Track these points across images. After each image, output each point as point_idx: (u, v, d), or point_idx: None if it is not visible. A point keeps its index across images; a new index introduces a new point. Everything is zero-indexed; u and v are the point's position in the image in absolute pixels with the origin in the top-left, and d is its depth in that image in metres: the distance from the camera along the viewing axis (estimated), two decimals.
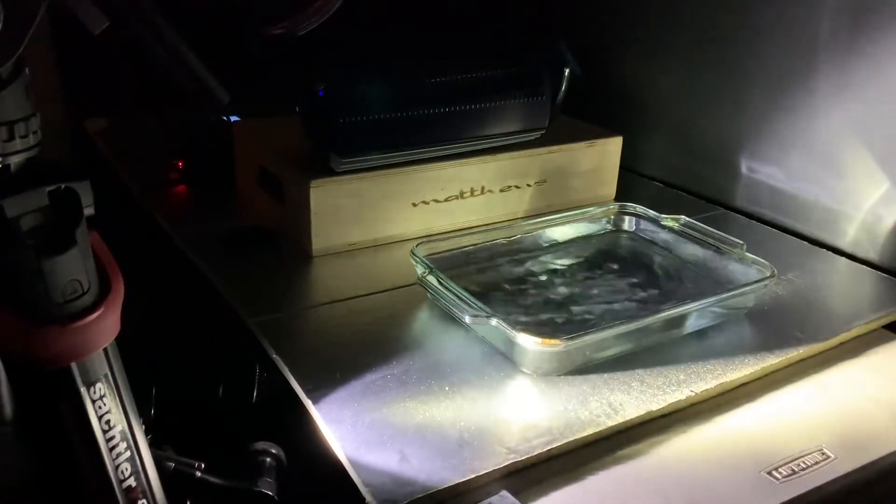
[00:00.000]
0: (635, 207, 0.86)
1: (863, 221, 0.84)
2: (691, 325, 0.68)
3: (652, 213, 0.84)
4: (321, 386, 0.59)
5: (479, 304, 0.64)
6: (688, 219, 0.81)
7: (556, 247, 0.83)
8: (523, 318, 0.68)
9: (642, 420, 0.58)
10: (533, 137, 0.88)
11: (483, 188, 0.87)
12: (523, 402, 0.59)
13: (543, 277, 0.76)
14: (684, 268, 0.79)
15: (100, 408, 0.40)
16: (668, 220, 0.82)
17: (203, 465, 0.54)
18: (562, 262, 0.80)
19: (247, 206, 0.93)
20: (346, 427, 0.54)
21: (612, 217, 0.87)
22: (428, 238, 0.77)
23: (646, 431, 0.58)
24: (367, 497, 0.49)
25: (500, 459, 0.52)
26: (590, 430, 0.55)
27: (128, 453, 0.42)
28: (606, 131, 0.95)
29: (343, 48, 1.01)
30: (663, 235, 0.83)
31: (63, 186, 0.38)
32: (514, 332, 0.60)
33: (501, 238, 0.80)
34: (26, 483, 0.42)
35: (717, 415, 0.60)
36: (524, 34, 1.23)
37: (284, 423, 0.61)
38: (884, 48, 0.78)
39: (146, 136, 1.12)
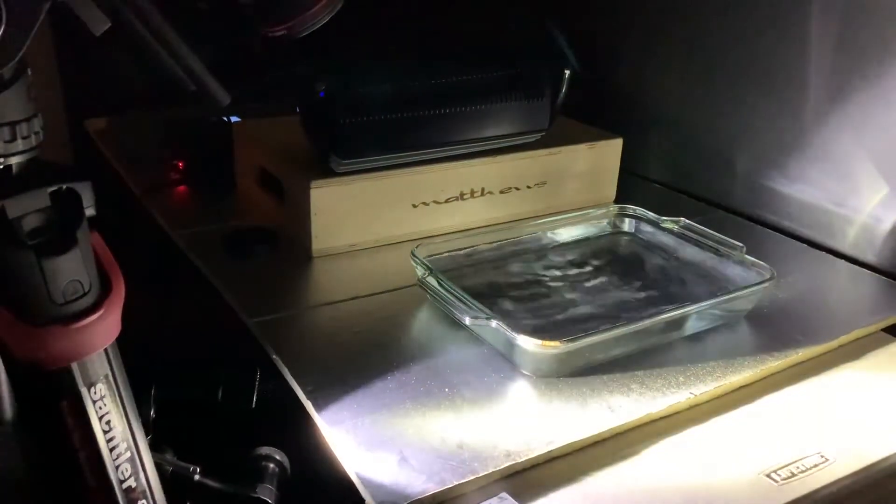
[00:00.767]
0: (635, 209, 0.86)
1: (863, 224, 0.84)
2: (691, 327, 0.68)
3: (652, 215, 0.84)
4: (321, 387, 0.58)
5: (480, 306, 0.64)
6: (688, 221, 0.81)
7: (556, 248, 0.83)
8: (523, 320, 0.68)
9: (642, 422, 0.58)
10: (533, 139, 0.88)
11: (483, 189, 0.87)
12: (523, 403, 0.59)
13: (543, 279, 0.76)
14: (684, 270, 0.79)
15: (100, 408, 0.40)
16: (667, 223, 0.82)
17: (199, 470, 0.54)
18: (561, 264, 0.80)
19: (247, 206, 0.93)
20: (345, 428, 0.54)
21: (612, 219, 0.87)
22: (428, 239, 0.77)
23: (645, 434, 0.58)
24: (367, 498, 0.49)
25: (500, 461, 0.52)
26: (589, 433, 0.56)
27: (128, 454, 0.42)
28: (606, 133, 0.95)
29: (344, 49, 1.01)
30: (663, 237, 0.83)
31: (64, 187, 0.38)
32: (513, 333, 0.60)
33: (501, 240, 0.80)
34: (26, 483, 0.42)
35: (716, 417, 0.60)
36: (524, 35, 1.23)
37: (284, 424, 0.61)
38: (884, 50, 0.78)
39: (146, 136, 1.11)
